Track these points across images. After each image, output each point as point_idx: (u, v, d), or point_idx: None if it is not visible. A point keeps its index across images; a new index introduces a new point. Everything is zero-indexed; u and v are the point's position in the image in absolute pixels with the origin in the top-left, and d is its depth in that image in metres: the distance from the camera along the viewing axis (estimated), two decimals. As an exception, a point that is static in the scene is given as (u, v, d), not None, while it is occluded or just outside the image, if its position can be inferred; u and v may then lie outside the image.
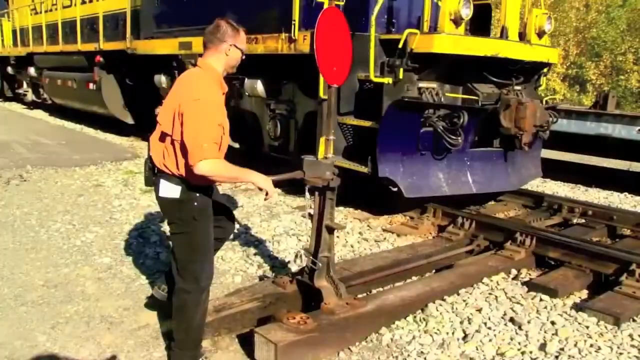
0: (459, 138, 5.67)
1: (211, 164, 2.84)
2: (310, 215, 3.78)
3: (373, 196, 6.54)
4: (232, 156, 8.55)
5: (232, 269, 4.60)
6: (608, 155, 9.98)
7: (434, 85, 6.02)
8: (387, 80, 5.69)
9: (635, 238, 5.85)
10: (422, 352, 3.47)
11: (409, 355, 3.44)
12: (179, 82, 3.09)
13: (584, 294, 4.51)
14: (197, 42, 8.02)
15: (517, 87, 6.47)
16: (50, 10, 13.93)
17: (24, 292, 4.05)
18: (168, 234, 5.27)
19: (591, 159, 10.58)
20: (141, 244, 5.09)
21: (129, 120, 11.68)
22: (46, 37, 14.20)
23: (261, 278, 4.42)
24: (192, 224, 3.04)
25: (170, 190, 2.99)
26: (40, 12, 14.49)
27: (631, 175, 9.71)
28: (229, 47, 3.13)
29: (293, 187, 7.24)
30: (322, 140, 3.61)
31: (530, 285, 4.48)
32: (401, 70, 5.66)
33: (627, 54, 31.59)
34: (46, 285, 4.18)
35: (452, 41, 5.62)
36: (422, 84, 5.94)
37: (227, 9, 7.30)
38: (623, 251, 4.91)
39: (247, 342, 3.48)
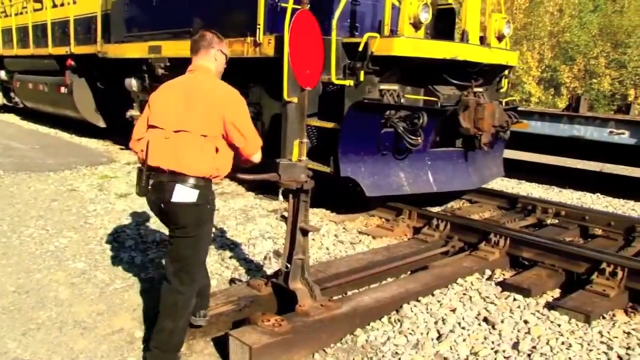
0: (419, 138, 5.82)
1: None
2: (284, 218, 3.79)
3: (338, 196, 6.64)
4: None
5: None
6: (581, 157, 10.15)
7: (395, 87, 6.19)
8: (349, 82, 5.86)
9: (607, 238, 5.97)
10: (396, 352, 3.49)
11: (383, 356, 3.46)
12: (194, 87, 3.14)
13: (557, 293, 4.58)
14: (166, 46, 8.21)
15: (479, 89, 6.64)
16: (21, 14, 13.84)
17: (-6, 299, 3.99)
18: (142, 238, 5.28)
19: (566, 161, 10.76)
20: (116, 249, 5.04)
21: (101, 123, 11.67)
22: (17, 40, 14.13)
23: (236, 281, 4.41)
24: (202, 227, 3.11)
25: (187, 194, 2.98)
26: (10, 15, 14.40)
27: (603, 176, 9.90)
28: (217, 52, 3.28)
29: (269, 191, 7.24)
30: (296, 142, 3.62)
31: (504, 285, 4.54)
32: (362, 72, 5.82)
33: (599, 58, 32.15)
34: (17, 291, 4.12)
35: (411, 44, 5.80)
36: (383, 86, 6.09)
37: (195, 13, 7.48)
38: (594, 250, 5.00)
39: (222, 345, 3.47)
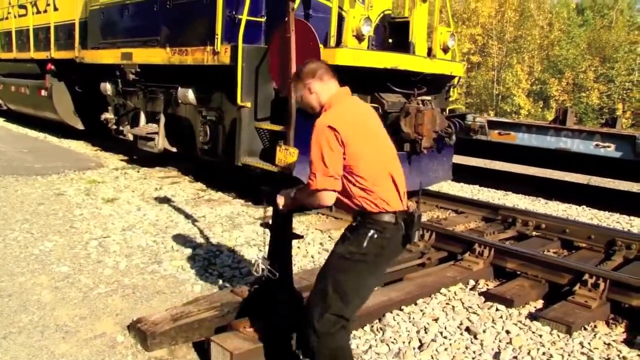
0: None
1: None
2: (268, 225, 3.79)
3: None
4: (166, 159, 8.47)
5: (192, 279, 4.59)
6: (568, 169, 10.25)
7: None
8: None
9: (590, 249, 6.01)
10: (378, 360, 3.51)
11: (365, 363, 3.47)
12: (369, 111, 3.04)
13: (540, 303, 4.61)
14: (137, 53, 8.67)
15: (427, 97, 6.99)
16: (6, 19, 14.26)
17: (-24, 302, 3.97)
18: (127, 243, 5.28)
19: (553, 173, 10.86)
20: (101, 253, 5.03)
21: (79, 125, 12.02)
22: (1, 44, 14.56)
23: (220, 288, 4.41)
24: None
25: None
26: None
27: (590, 189, 10.00)
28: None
29: (256, 198, 7.26)
30: (278, 148, 3.68)
31: (487, 296, 4.57)
32: None
33: (587, 72, 32.56)
34: (0, 294, 4.10)
35: (352, 55, 6.17)
36: None
37: (162, 23, 8.07)
38: (577, 262, 5.05)
39: (203, 351, 3.47)
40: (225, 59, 6.82)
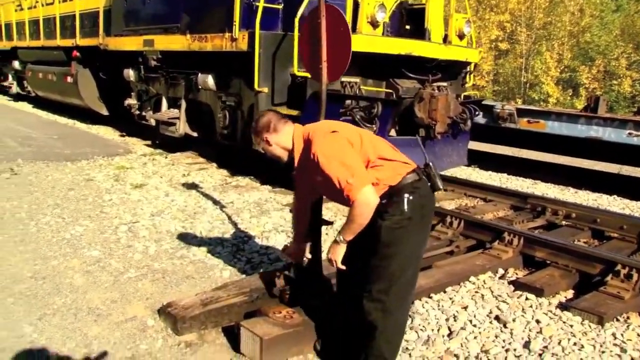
0: (374, 126, 6.15)
1: None
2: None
3: None
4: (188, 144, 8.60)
5: (221, 264, 4.62)
6: (598, 158, 10.05)
7: (356, 79, 6.74)
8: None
9: (622, 240, 5.90)
10: (407, 347, 3.49)
11: (394, 351, 3.46)
12: None
13: (570, 293, 4.55)
14: (158, 40, 8.88)
15: (442, 83, 7.12)
16: (34, 7, 14.55)
17: (11, 284, 4.04)
18: (156, 228, 5.33)
19: (582, 162, 10.67)
20: (131, 238, 5.09)
21: (104, 111, 12.29)
22: (29, 32, 14.83)
23: (249, 273, 4.43)
24: None
25: None
26: (24, 9, 15.11)
27: (621, 178, 9.80)
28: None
29: (284, 185, 7.28)
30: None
31: (517, 285, 4.52)
32: None
33: (620, 59, 31.78)
34: (34, 277, 4.18)
35: (367, 41, 6.31)
36: (344, 79, 6.56)
37: (182, 10, 8.26)
38: (609, 252, 4.96)
39: (233, 336, 3.49)
40: (243, 45, 6.95)
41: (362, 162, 2.82)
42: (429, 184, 2.89)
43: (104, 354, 3.26)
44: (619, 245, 5.72)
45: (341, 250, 2.93)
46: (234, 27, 7.03)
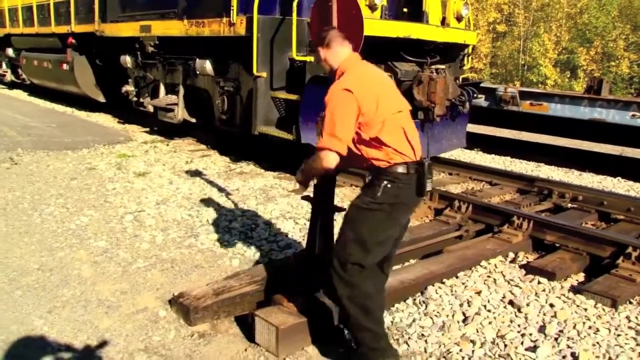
0: None
1: None
2: (309, 198, 3.73)
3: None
4: (187, 130, 8.59)
5: (230, 252, 4.57)
6: (601, 140, 10.01)
7: None
8: (310, 58, 6.32)
9: (630, 222, 5.87)
10: (422, 334, 3.47)
11: (409, 337, 3.43)
12: (381, 74, 3.15)
13: (581, 276, 4.52)
14: (155, 26, 8.75)
15: (441, 66, 7.03)
16: None
17: (18, 276, 3.99)
18: (162, 217, 5.27)
19: (582, 144, 10.63)
20: (137, 228, 5.03)
21: (101, 98, 12.14)
22: (22, 19, 14.53)
23: (259, 261, 4.39)
24: None
25: None
26: None
27: (624, 160, 9.76)
28: None
29: (288, 170, 7.23)
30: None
31: (528, 268, 4.49)
32: None
33: (617, 41, 31.62)
34: (41, 269, 4.12)
35: (366, 24, 6.04)
36: None
37: None
38: (619, 234, 4.93)
39: (245, 325, 3.46)
40: (241, 30, 6.91)
41: (353, 126, 2.82)
42: (417, 183, 2.89)
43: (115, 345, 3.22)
44: (627, 227, 5.70)
45: (298, 177, 3.19)
46: (231, 11, 6.97)
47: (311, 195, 3.65)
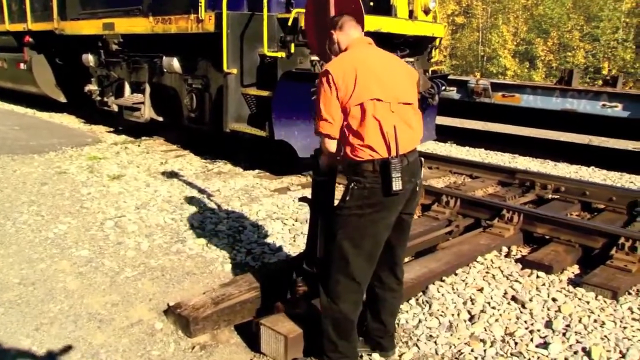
0: None
1: None
2: (307, 199, 3.59)
3: (273, 160, 7.20)
4: (154, 129, 8.35)
5: (220, 257, 4.39)
6: (573, 130, 10.16)
7: None
8: (281, 54, 6.43)
9: (612, 211, 5.92)
10: (431, 335, 3.38)
11: (418, 339, 3.34)
12: (398, 62, 2.98)
13: (576, 268, 4.51)
14: (119, 23, 8.56)
15: (409, 59, 7.14)
16: None
17: (-2, 292, 3.74)
18: (144, 222, 5.05)
19: (549, 134, 10.78)
20: (119, 234, 4.80)
21: (62, 98, 11.76)
22: None
23: (253, 266, 4.23)
24: None
25: None
26: None
27: (593, 149, 9.93)
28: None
29: (268, 169, 7.08)
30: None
31: (525, 262, 4.45)
32: (292, 45, 6.38)
33: (573, 31, 32.39)
34: (23, 283, 3.87)
35: None
36: (314, 57, 6.56)
37: None
38: (610, 225, 4.94)
39: (245, 333, 3.33)
40: (210, 26, 6.80)
41: (338, 107, 2.72)
42: (382, 184, 2.67)
43: (116, 363, 3.03)
44: (611, 217, 5.74)
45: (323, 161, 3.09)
46: (199, 8, 6.84)
47: (308, 196, 3.51)
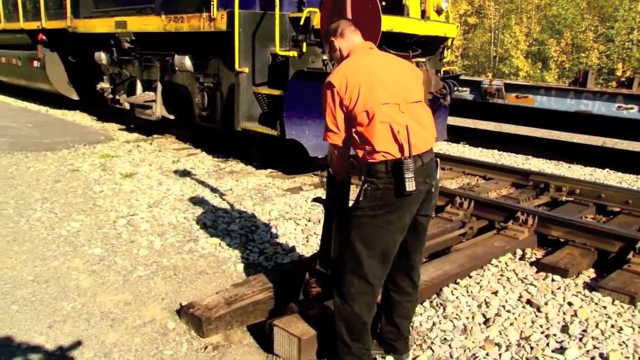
0: None
1: None
2: (321, 200, 3.56)
3: (285, 159, 7.19)
4: (166, 127, 8.41)
5: (233, 257, 4.37)
6: (587, 132, 10.06)
7: None
8: (292, 53, 6.44)
9: (629, 214, 5.84)
10: (445, 338, 3.34)
11: (432, 342, 3.30)
12: (401, 63, 2.94)
13: (591, 272, 4.45)
14: (131, 22, 8.59)
15: (421, 59, 7.11)
16: None
17: (12, 289, 3.73)
18: (157, 220, 5.05)
19: (561, 135, 10.68)
20: (132, 233, 4.79)
21: (74, 96, 11.86)
22: None
23: (266, 265, 4.21)
24: None
25: None
26: None
27: (608, 151, 9.83)
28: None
29: (280, 168, 7.06)
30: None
31: (540, 266, 4.40)
32: (304, 44, 6.39)
33: (587, 32, 32.12)
34: (36, 280, 3.88)
35: None
36: (326, 57, 6.47)
37: None
38: (628, 229, 4.88)
39: (258, 334, 3.31)
40: (222, 25, 6.81)
41: (342, 118, 2.73)
42: (394, 184, 2.63)
43: (128, 362, 3.01)
44: (627, 220, 5.66)
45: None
46: (212, 6, 6.85)
47: (321, 196, 3.49)
